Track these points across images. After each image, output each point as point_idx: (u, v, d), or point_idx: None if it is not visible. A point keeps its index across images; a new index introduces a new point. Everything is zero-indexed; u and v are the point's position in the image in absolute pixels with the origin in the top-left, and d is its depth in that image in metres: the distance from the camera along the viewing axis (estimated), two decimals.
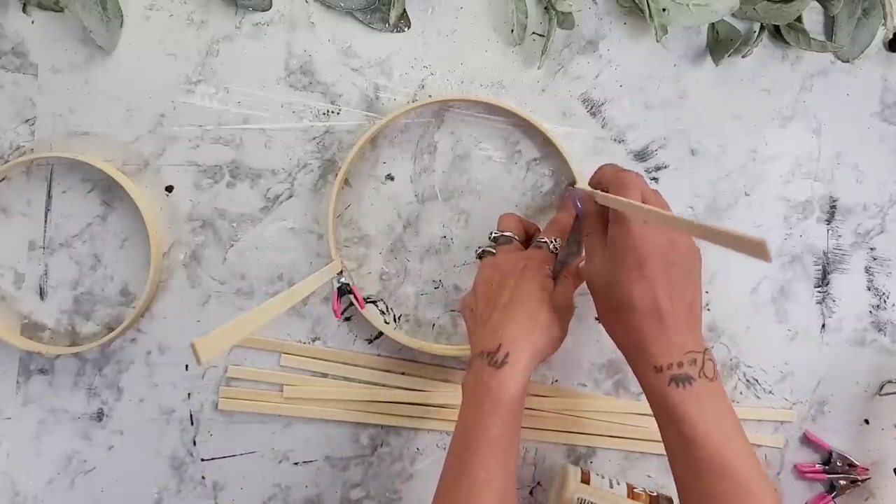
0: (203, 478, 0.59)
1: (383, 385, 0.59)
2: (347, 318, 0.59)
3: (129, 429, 0.59)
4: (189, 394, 0.59)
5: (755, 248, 0.32)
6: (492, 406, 0.46)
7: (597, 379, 0.60)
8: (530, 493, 0.60)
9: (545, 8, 0.58)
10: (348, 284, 0.54)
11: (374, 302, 0.59)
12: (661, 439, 0.46)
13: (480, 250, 0.56)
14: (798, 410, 0.61)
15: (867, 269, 0.61)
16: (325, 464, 0.59)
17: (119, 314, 0.58)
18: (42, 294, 0.58)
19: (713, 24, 0.58)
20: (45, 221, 0.58)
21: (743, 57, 0.59)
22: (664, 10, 0.55)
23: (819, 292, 0.61)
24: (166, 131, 0.57)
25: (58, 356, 0.58)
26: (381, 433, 0.60)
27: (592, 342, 0.60)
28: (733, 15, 0.58)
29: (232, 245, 0.58)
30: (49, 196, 0.58)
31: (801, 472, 0.61)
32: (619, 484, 0.57)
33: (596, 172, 0.51)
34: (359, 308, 0.56)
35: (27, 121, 0.57)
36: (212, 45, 0.57)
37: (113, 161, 0.57)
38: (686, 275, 0.46)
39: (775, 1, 0.57)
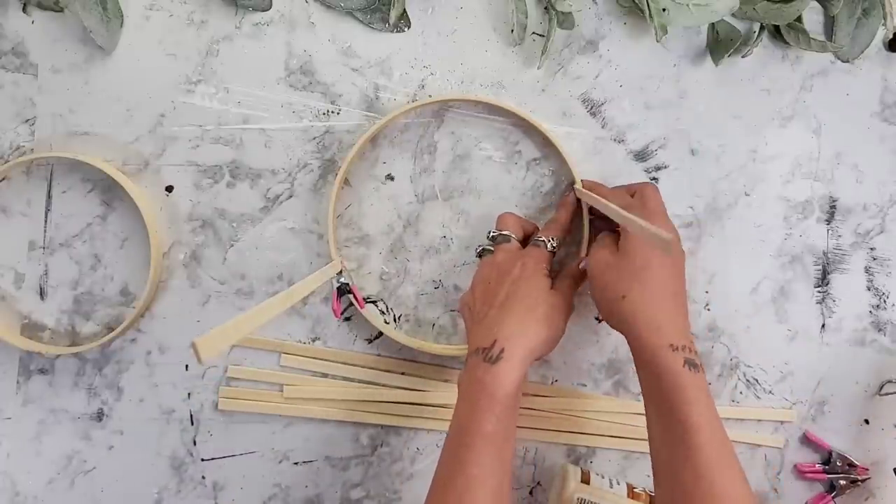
0: (203, 478, 0.59)
1: (383, 385, 0.59)
2: (347, 318, 0.59)
3: (129, 429, 0.59)
4: (189, 394, 0.59)
5: (661, 243, 0.36)
6: (487, 402, 0.46)
7: (597, 379, 0.60)
8: (530, 493, 0.60)
9: (545, 8, 0.58)
10: (348, 284, 0.54)
11: (374, 302, 0.59)
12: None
13: (480, 249, 0.56)
14: (798, 410, 0.61)
15: (867, 269, 0.61)
16: (325, 464, 0.59)
17: (119, 314, 0.58)
18: (42, 294, 0.58)
19: (713, 24, 0.58)
20: (45, 221, 0.58)
21: (743, 57, 0.59)
22: (664, 10, 0.55)
23: (819, 292, 0.61)
24: (166, 131, 0.57)
25: (58, 356, 0.58)
26: (381, 433, 0.60)
27: (592, 342, 0.60)
28: (733, 15, 0.58)
29: (232, 245, 0.58)
30: (49, 196, 0.58)
31: (801, 472, 0.61)
32: (619, 484, 0.57)
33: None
34: (358, 308, 0.56)
35: (27, 121, 0.57)
36: (212, 45, 0.57)
37: (113, 161, 0.57)
38: (682, 273, 0.51)
39: (775, 1, 0.57)
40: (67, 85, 0.57)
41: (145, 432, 0.59)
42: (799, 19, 0.58)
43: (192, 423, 0.59)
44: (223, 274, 0.58)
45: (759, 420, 0.60)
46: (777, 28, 0.58)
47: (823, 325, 0.61)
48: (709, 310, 0.60)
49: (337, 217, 0.58)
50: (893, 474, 0.60)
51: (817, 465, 0.61)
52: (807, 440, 0.61)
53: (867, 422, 0.61)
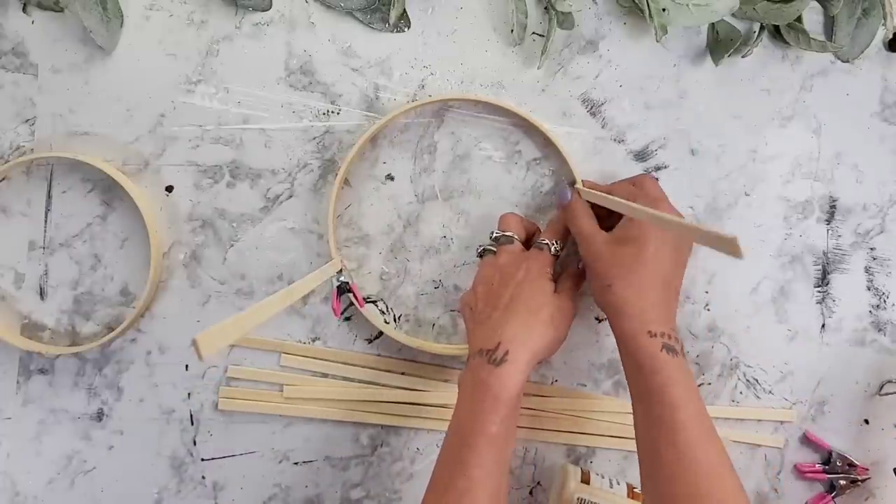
0: (203, 478, 0.59)
1: (383, 385, 0.59)
2: (347, 318, 0.59)
3: (129, 429, 0.59)
4: (189, 394, 0.59)
5: (727, 245, 0.34)
6: (491, 404, 0.46)
7: (597, 379, 0.60)
8: (530, 493, 0.60)
9: (545, 8, 0.58)
10: (347, 283, 0.54)
11: (374, 302, 0.59)
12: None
13: (481, 249, 0.56)
14: (798, 410, 0.61)
15: (867, 269, 0.61)
16: (325, 464, 0.59)
17: (119, 314, 0.58)
18: (42, 294, 0.58)
19: (713, 24, 0.58)
20: (45, 221, 0.58)
21: (743, 57, 0.59)
22: (664, 10, 0.55)
23: (819, 292, 0.61)
24: (166, 131, 0.57)
25: (58, 356, 0.58)
26: (381, 433, 0.60)
27: (592, 342, 0.60)
28: (733, 15, 0.58)
29: (232, 245, 0.58)
30: (49, 196, 0.58)
31: (801, 472, 0.61)
32: (619, 484, 0.57)
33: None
34: (358, 307, 0.56)
35: (27, 121, 0.57)
36: (212, 45, 0.57)
37: (113, 161, 0.57)
38: (683, 263, 0.52)
39: (775, 1, 0.57)
40: (67, 85, 0.57)
41: (145, 432, 0.59)
42: (799, 19, 0.58)
43: (192, 423, 0.59)
44: (223, 274, 0.58)
45: (759, 420, 0.61)
46: (777, 28, 0.58)
47: (823, 325, 0.61)
48: (709, 310, 0.60)
49: (337, 217, 0.58)
50: (893, 474, 0.60)
51: (817, 465, 0.61)
52: (807, 440, 0.61)
53: (867, 422, 0.61)
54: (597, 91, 0.59)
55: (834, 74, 0.60)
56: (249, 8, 0.57)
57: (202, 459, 0.59)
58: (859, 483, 0.61)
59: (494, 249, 0.55)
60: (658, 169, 0.59)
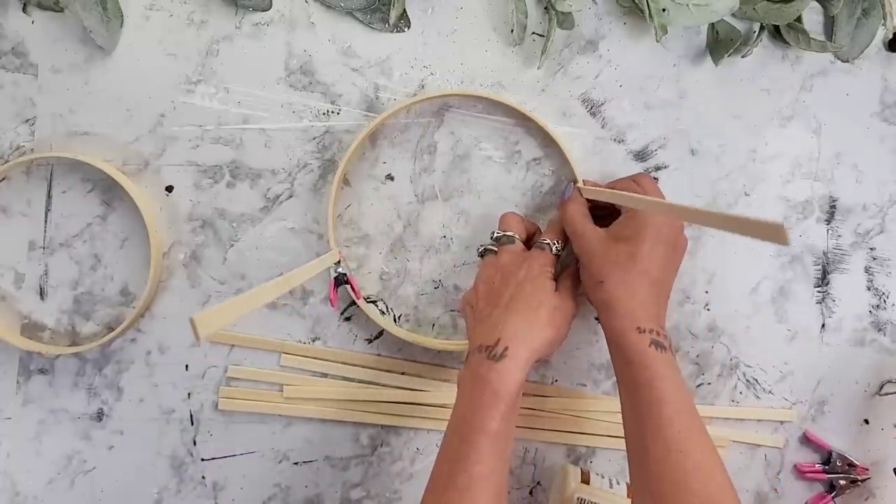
0: (203, 478, 0.59)
1: (383, 385, 0.59)
2: (347, 319, 0.59)
3: (129, 429, 0.59)
4: (189, 394, 0.59)
5: (771, 232, 0.32)
6: (491, 399, 0.46)
7: (596, 379, 0.60)
8: (530, 493, 0.61)
9: (545, 8, 0.58)
10: (345, 274, 0.54)
11: (374, 302, 0.59)
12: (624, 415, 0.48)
13: (482, 248, 0.56)
14: (798, 410, 0.61)
15: (867, 269, 0.61)
16: (325, 464, 0.59)
17: (119, 314, 0.58)
18: (42, 294, 0.58)
19: (713, 24, 0.58)
20: (45, 221, 0.58)
21: (743, 57, 0.59)
22: (664, 10, 0.55)
23: (819, 292, 0.61)
24: (166, 131, 0.57)
25: (58, 356, 0.58)
26: (381, 433, 0.60)
27: (592, 342, 0.60)
28: (733, 15, 0.58)
29: (232, 245, 0.58)
30: (49, 196, 0.58)
31: (801, 472, 0.61)
32: (619, 484, 0.57)
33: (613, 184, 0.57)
34: (356, 299, 0.56)
35: (27, 121, 0.57)
36: (212, 45, 0.57)
37: (113, 161, 0.57)
38: (677, 263, 0.53)
39: (775, 1, 0.57)
40: (67, 85, 0.57)
41: (145, 432, 0.59)
42: (799, 19, 0.58)
43: (192, 423, 0.59)
44: (223, 274, 0.58)
45: (759, 420, 0.61)
46: (777, 28, 0.58)
47: (823, 325, 0.61)
48: (709, 310, 0.60)
49: (337, 217, 0.58)
50: (893, 474, 0.60)
51: (817, 465, 0.61)
52: (807, 440, 0.61)
53: (867, 422, 0.61)
54: (597, 91, 0.59)
55: (834, 74, 0.60)
56: (249, 8, 0.57)
57: (202, 459, 0.59)
58: (859, 483, 0.61)
59: (495, 249, 0.55)
60: (658, 169, 0.59)
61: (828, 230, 0.61)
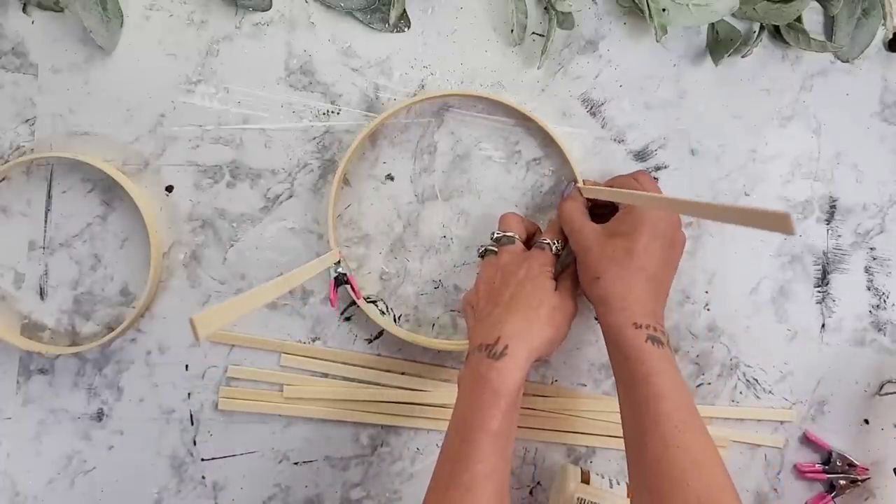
0: (203, 478, 0.59)
1: (383, 385, 0.59)
2: (347, 319, 0.59)
3: (129, 429, 0.59)
4: (189, 394, 0.59)
5: (777, 222, 0.31)
6: (491, 398, 0.46)
7: (596, 379, 0.60)
8: (530, 493, 0.61)
9: (545, 8, 0.58)
10: (345, 274, 0.54)
11: (374, 302, 0.59)
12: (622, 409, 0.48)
13: (482, 249, 0.56)
14: (798, 410, 0.61)
15: (867, 269, 0.61)
16: (325, 464, 0.59)
17: (119, 314, 0.58)
18: (42, 294, 0.58)
19: (713, 24, 0.58)
20: (45, 221, 0.58)
21: (743, 57, 0.59)
22: (664, 10, 0.55)
23: (819, 292, 0.61)
24: (166, 131, 0.57)
25: (58, 356, 0.58)
26: (381, 433, 0.60)
27: (592, 342, 0.60)
28: (733, 15, 0.58)
29: (232, 245, 0.58)
30: (49, 196, 0.58)
31: (801, 472, 0.61)
32: (618, 484, 0.57)
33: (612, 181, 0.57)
34: (356, 299, 0.56)
35: (27, 121, 0.57)
36: (212, 45, 0.57)
37: (113, 161, 0.57)
38: (675, 259, 0.53)
39: (775, 1, 0.57)
40: (67, 85, 0.57)
41: (145, 432, 0.59)
42: (799, 19, 0.58)
43: (192, 423, 0.59)
44: (223, 274, 0.58)
45: (759, 420, 0.61)
46: (777, 28, 0.58)
47: (823, 325, 0.61)
48: (709, 310, 0.60)
49: (337, 217, 0.58)
50: (893, 474, 0.60)
51: (817, 465, 0.61)
52: (807, 440, 0.61)
53: (867, 422, 0.61)
54: (597, 91, 0.59)
55: (834, 74, 0.60)
56: (249, 8, 0.57)
57: (202, 459, 0.59)
58: (859, 483, 0.61)
59: (496, 249, 0.55)
60: (658, 169, 0.59)
61: (828, 230, 0.61)
